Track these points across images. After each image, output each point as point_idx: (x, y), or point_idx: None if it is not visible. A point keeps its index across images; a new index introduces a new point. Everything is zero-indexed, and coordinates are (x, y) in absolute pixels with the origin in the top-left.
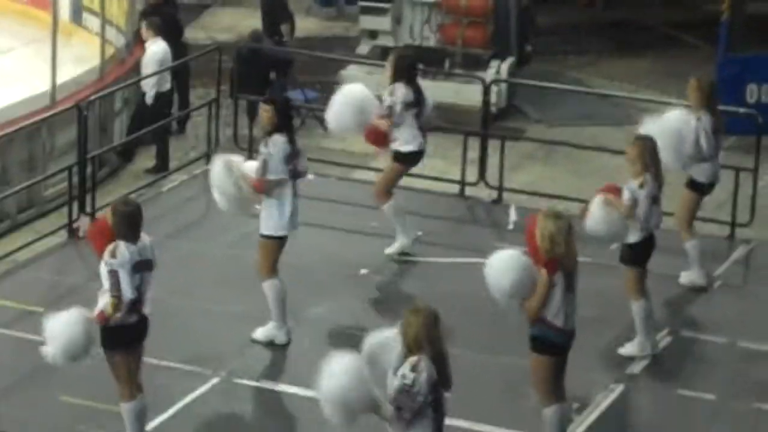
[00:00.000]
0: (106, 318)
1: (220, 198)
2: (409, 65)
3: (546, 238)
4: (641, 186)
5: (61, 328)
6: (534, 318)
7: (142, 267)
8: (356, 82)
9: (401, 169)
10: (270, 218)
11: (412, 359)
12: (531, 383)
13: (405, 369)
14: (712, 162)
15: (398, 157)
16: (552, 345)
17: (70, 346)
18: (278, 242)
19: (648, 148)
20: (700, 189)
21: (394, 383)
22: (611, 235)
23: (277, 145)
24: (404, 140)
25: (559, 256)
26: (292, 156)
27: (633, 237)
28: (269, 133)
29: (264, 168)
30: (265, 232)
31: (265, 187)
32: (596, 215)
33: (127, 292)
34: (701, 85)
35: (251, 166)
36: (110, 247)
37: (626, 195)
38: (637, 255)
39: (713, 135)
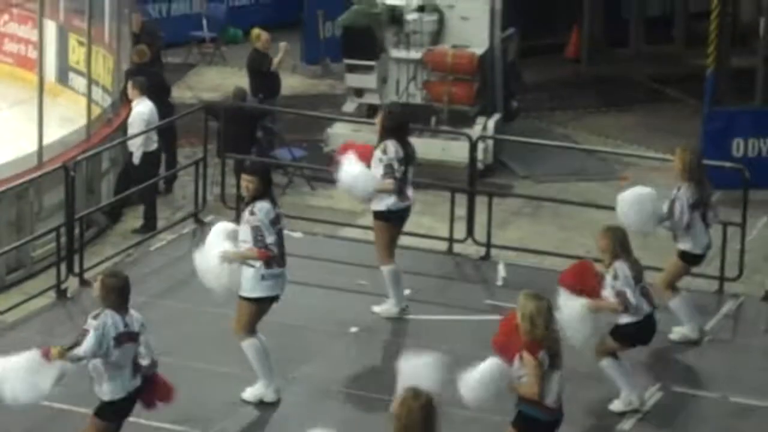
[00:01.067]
0: (47, 355)
1: (209, 282)
2: (400, 124)
3: (526, 318)
4: (615, 278)
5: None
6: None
7: (126, 339)
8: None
9: (393, 228)
10: (249, 279)
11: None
12: None
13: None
14: (704, 232)
15: (386, 216)
16: (540, 425)
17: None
18: (254, 304)
19: (617, 238)
20: (692, 261)
21: None
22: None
23: (263, 210)
24: (384, 198)
25: (539, 338)
26: (277, 219)
27: (624, 319)
28: (253, 200)
29: (261, 236)
30: (244, 294)
31: (269, 255)
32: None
33: (87, 353)
34: (683, 157)
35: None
36: (94, 312)
37: (608, 293)
38: (631, 336)
39: (696, 206)
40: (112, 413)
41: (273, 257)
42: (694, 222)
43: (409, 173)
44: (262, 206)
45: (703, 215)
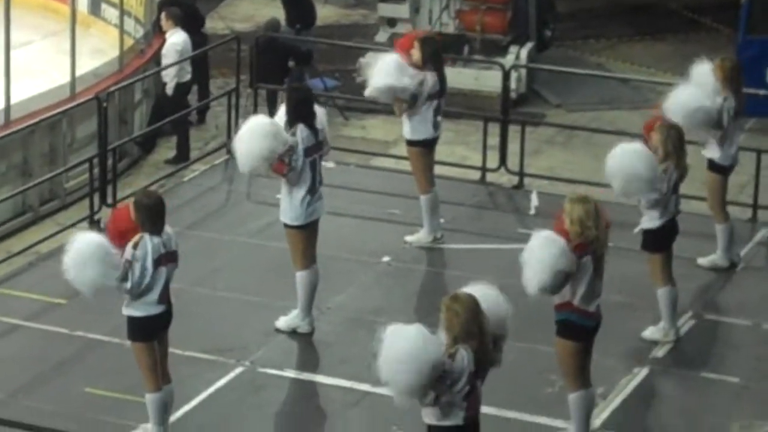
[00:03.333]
0: None
1: (247, 152)
2: (436, 49)
3: (575, 222)
4: (664, 172)
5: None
6: (560, 302)
7: (166, 259)
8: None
9: (429, 153)
10: (287, 208)
11: (452, 349)
12: (558, 368)
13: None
14: (733, 144)
15: (422, 143)
16: (579, 329)
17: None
18: (299, 231)
19: (671, 135)
20: (722, 171)
21: None
22: None
23: (301, 134)
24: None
25: (590, 240)
26: (315, 147)
27: (653, 223)
28: (291, 123)
29: (290, 154)
30: (283, 220)
31: (283, 170)
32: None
33: (134, 286)
34: (723, 66)
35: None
36: (135, 238)
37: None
38: (659, 240)
39: (737, 116)
40: (143, 330)
41: (289, 177)
42: (732, 132)
43: (442, 104)
44: (301, 130)
45: (738, 126)
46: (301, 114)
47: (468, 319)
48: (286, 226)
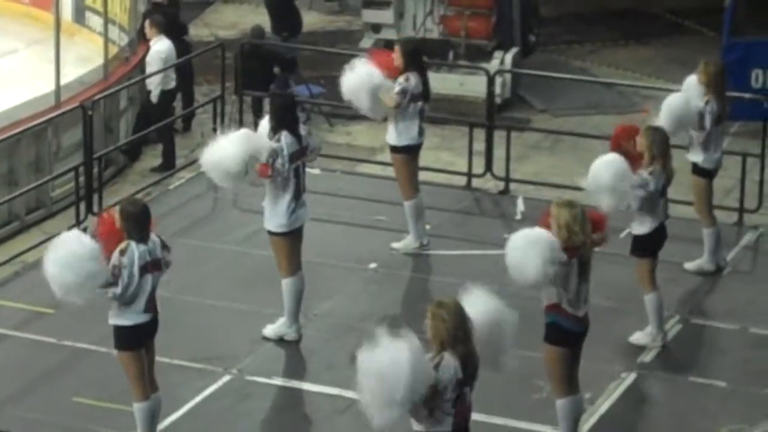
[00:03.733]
0: None
1: (220, 166)
2: (417, 48)
3: (563, 227)
4: (650, 174)
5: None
6: (549, 304)
7: (152, 267)
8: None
9: (412, 160)
10: (271, 215)
11: (437, 356)
12: (546, 374)
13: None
14: (717, 148)
15: (407, 149)
16: (567, 334)
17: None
18: (283, 238)
19: (656, 139)
20: (707, 174)
21: None
22: None
23: (285, 140)
24: (403, 133)
25: (576, 245)
26: (299, 153)
27: (642, 228)
28: (275, 130)
29: (273, 157)
30: (267, 228)
31: (267, 172)
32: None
33: (121, 292)
34: (707, 70)
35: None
36: (122, 245)
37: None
38: (648, 246)
39: (719, 120)
40: (130, 339)
41: (274, 178)
42: (715, 136)
43: (425, 109)
44: (285, 136)
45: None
46: (284, 120)
47: (454, 325)
48: (270, 233)
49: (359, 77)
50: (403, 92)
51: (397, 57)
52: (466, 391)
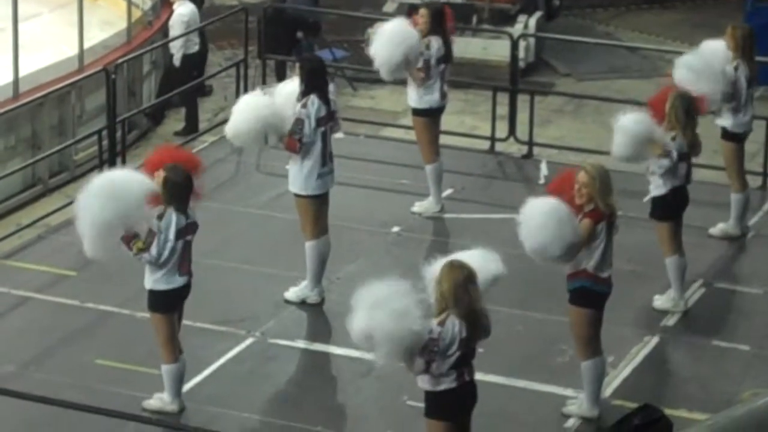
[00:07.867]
0: (128, 243)
1: (238, 139)
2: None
3: (596, 193)
4: (673, 139)
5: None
6: (574, 271)
7: (187, 231)
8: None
9: (434, 124)
10: (296, 177)
11: (441, 315)
12: (572, 336)
13: (432, 323)
14: (747, 112)
15: (428, 113)
16: (593, 296)
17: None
18: (307, 200)
19: (677, 104)
20: (736, 139)
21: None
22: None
23: (312, 106)
24: (424, 96)
25: (607, 206)
26: (326, 118)
27: (660, 190)
28: (304, 93)
29: (299, 128)
30: (292, 190)
31: (296, 148)
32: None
33: (154, 257)
34: (734, 34)
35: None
36: (160, 209)
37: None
38: (666, 208)
39: (750, 83)
40: (164, 302)
41: (302, 148)
42: (745, 99)
43: (447, 71)
44: (312, 100)
45: (751, 94)
46: (314, 84)
47: (457, 285)
48: (295, 195)
49: (401, 34)
50: (426, 65)
51: (421, 20)
52: (471, 350)
